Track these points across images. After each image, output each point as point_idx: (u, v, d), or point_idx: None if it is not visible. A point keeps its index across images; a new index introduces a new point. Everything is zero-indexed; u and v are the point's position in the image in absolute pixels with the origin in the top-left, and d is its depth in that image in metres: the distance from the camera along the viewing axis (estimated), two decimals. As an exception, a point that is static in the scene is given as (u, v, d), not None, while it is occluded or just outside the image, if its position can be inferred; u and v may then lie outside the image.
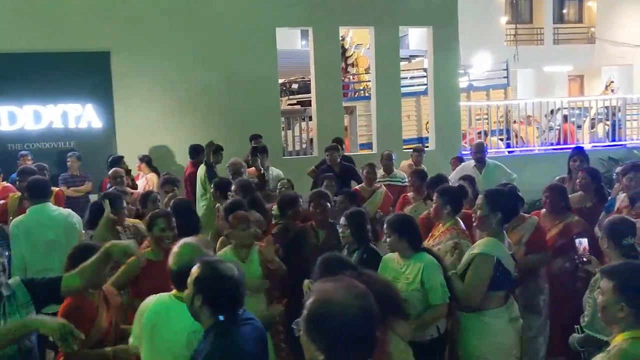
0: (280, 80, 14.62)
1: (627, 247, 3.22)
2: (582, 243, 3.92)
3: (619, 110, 12.24)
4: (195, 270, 2.42)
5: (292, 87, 14.26)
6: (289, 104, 13.82)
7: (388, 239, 3.68)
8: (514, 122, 12.65)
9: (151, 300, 2.86)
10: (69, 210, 5.07)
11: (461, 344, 3.71)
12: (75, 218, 4.97)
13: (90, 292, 3.22)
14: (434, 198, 4.35)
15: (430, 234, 4.39)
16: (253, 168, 7.05)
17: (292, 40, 20.80)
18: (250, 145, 7.97)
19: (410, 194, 6.08)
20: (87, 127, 8.95)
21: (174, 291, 2.81)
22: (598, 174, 5.68)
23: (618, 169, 5.68)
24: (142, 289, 3.61)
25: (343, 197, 5.26)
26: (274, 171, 7.33)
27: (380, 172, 7.25)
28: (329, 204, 4.67)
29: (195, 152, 7.73)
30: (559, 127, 12.41)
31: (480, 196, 3.73)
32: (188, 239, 2.92)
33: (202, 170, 6.97)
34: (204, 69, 9.19)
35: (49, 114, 8.80)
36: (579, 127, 12.82)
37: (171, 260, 2.79)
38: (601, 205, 5.36)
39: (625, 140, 12.06)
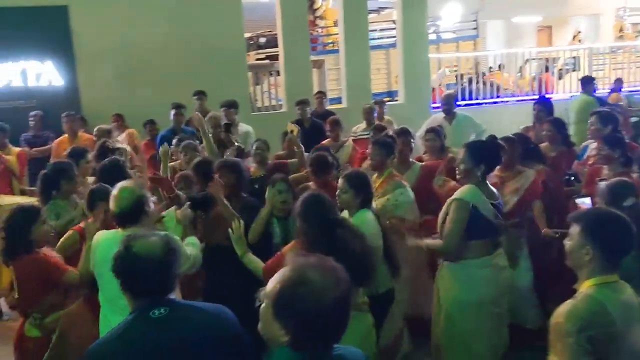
0: (248, 34, 14.32)
1: (628, 208, 3.03)
2: (585, 203, 4.01)
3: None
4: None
5: (260, 41, 13.95)
6: (257, 59, 13.55)
7: (343, 195, 3.60)
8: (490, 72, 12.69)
9: (100, 235, 3.08)
10: None
11: (443, 294, 3.73)
12: None
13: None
14: (369, 149, 4.51)
15: None
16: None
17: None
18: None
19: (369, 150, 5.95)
20: (49, 86, 8.67)
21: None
22: (563, 123, 5.73)
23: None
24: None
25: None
26: (243, 127, 7.20)
27: (362, 125, 7.23)
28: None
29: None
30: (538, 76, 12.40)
31: (462, 149, 3.72)
32: (124, 182, 3.11)
33: None
34: (165, 24, 8.91)
35: (8, 72, 8.50)
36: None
37: (112, 204, 2.99)
38: (568, 154, 5.44)
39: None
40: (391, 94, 14.35)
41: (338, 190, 3.65)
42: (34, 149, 7.41)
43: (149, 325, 1.98)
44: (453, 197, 3.62)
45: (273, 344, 1.70)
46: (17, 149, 6.47)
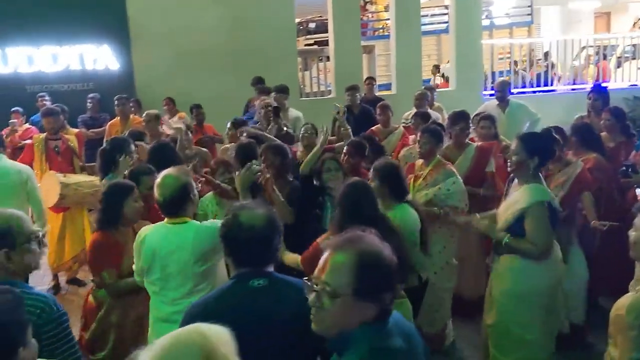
0: (297, 20, 14.36)
1: None
2: None
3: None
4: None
5: (309, 26, 13.95)
6: (306, 44, 13.57)
7: (372, 184, 3.47)
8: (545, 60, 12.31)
9: (145, 230, 2.96)
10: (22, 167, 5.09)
11: (496, 287, 3.64)
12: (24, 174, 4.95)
13: (118, 230, 3.34)
14: (419, 137, 4.39)
15: (415, 175, 4.38)
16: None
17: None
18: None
19: (412, 137, 5.77)
20: (105, 69, 8.94)
21: (165, 220, 2.94)
22: (623, 112, 5.52)
23: None
24: None
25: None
26: (293, 112, 7.23)
27: (413, 111, 7.15)
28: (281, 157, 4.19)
29: None
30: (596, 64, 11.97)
31: (515, 141, 3.55)
32: (169, 170, 3.00)
33: None
34: (218, 9, 9.03)
35: (66, 56, 8.79)
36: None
37: (156, 192, 2.91)
38: (628, 144, 5.26)
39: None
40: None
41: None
42: (91, 130, 7.63)
43: (246, 293, 2.05)
44: (530, 202, 3.36)
45: (341, 333, 1.65)
46: (75, 130, 6.69)
